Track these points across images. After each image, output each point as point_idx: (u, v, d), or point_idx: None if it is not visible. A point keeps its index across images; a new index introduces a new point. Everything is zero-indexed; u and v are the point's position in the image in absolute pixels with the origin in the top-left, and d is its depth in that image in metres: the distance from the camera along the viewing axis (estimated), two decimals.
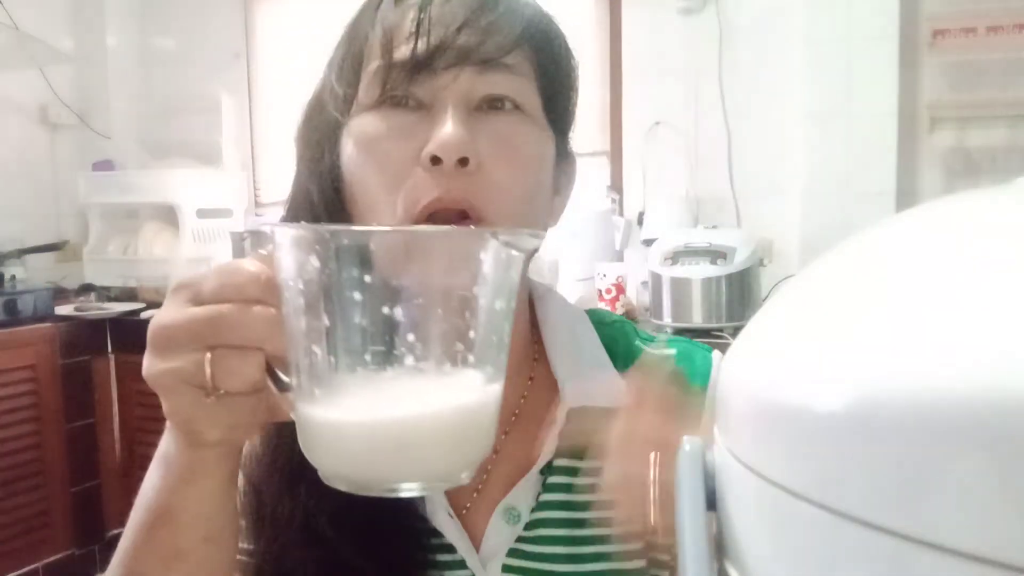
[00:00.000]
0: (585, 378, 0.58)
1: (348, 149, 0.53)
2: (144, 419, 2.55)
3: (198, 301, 0.39)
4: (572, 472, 0.57)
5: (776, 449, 0.23)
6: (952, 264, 0.22)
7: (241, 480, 0.57)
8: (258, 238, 2.76)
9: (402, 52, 0.51)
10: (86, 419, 2.51)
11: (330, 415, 0.36)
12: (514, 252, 0.36)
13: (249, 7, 3.03)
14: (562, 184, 0.61)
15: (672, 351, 0.63)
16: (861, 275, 0.25)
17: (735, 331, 1.88)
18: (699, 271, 1.93)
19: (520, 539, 0.56)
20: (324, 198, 0.54)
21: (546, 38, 0.56)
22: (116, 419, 2.59)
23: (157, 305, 2.79)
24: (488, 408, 0.38)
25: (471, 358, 0.36)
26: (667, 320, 1.98)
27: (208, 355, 0.38)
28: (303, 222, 0.38)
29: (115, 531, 2.58)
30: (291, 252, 0.35)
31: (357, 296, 0.34)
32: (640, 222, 2.39)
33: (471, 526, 0.56)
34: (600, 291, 2.17)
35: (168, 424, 0.44)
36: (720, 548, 0.27)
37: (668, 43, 2.39)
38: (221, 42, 3.03)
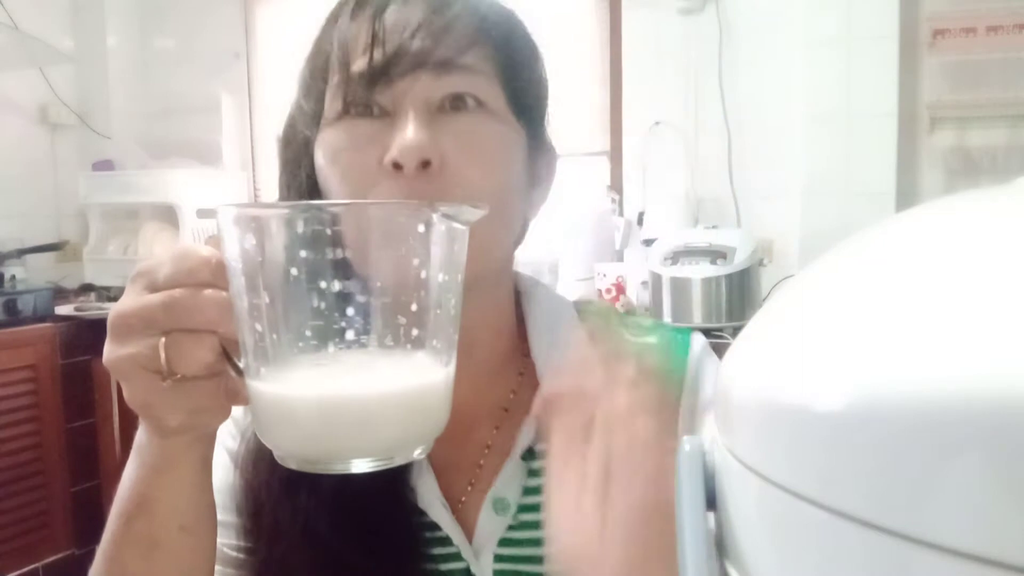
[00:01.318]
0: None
1: (318, 162, 0.54)
2: None
3: (154, 288, 0.40)
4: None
5: (776, 449, 0.23)
6: (952, 264, 0.22)
7: (239, 482, 0.58)
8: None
9: (359, 64, 0.52)
10: (86, 419, 2.51)
11: (276, 391, 0.36)
12: (456, 225, 0.36)
13: (249, 7, 3.03)
14: (541, 175, 0.61)
15: (652, 339, 0.63)
16: (861, 275, 0.25)
17: (735, 331, 1.88)
18: (699, 271, 1.93)
19: (510, 528, 0.56)
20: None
21: (504, 32, 0.55)
22: (116, 419, 2.58)
23: None
24: (436, 383, 0.37)
25: (416, 332, 0.36)
26: (667, 320, 1.98)
27: (163, 339, 0.38)
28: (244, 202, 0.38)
29: None
30: (232, 231, 0.35)
31: (294, 272, 0.34)
32: (640, 222, 2.39)
33: (464, 519, 0.57)
34: (600, 291, 2.18)
35: (137, 413, 0.44)
36: (720, 548, 0.27)
37: (668, 43, 2.39)
38: (221, 42, 3.03)
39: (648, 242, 2.23)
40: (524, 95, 0.57)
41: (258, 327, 0.35)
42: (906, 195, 2.09)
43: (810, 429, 0.21)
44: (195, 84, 3.04)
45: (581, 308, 0.65)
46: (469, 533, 0.56)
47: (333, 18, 0.56)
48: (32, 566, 2.34)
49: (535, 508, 0.56)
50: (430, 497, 0.57)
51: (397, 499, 0.55)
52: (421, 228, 0.35)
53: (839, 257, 0.27)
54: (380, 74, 0.51)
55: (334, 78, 0.53)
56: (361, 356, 0.36)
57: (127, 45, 3.10)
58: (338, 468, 0.36)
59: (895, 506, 0.19)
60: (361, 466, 0.36)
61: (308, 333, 0.35)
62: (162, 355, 0.38)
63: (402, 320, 0.36)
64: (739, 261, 1.93)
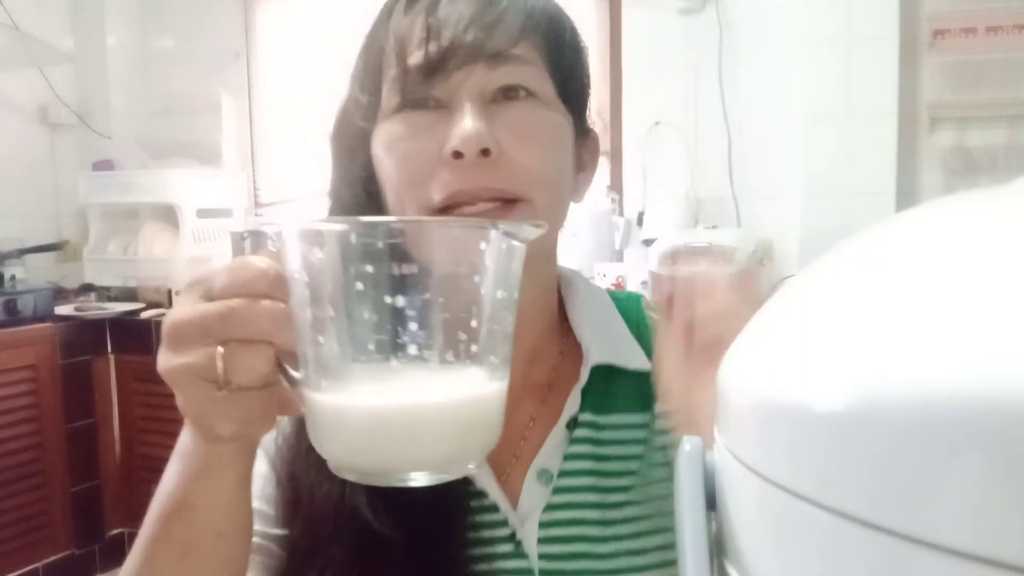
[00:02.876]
0: (605, 342, 0.63)
1: (376, 153, 0.57)
2: (144, 419, 2.55)
3: (209, 297, 0.40)
4: (596, 427, 0.61)
5: (776, 449, 0.23)
6: (952, 264, 0.22)
7: (273, 469, 0.59)
8: (257, 238, 2.76)
9: (416, 58, 0.54)
10: (86, 419, 2.51)
11: (336, 402, 0.36)
12: (515, 243, 0.37)
13: (249, 7, 3.03)
14: (585, 160, 0.65)
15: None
16: (861, 275, 0.25)
17: None
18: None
19: (553, 493, 0.59)
20: (357, 201, 0.58)
21: (551, 25, 0.58)
22: (116, 419, 2.59)
23: (157, 305, 2.78)
24: (491, 398, 0.38)
25: (473, 348, 0.37)
26: None
27: (219, 349, 0.39)
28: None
29: (115, 531, 2.58)
30: (297, 246, 0.36)
31: (360, 286, 0.35)
32: (640, 222, 2.39)
33: (510, 489, 0.60)
34: None
35: (186, 420, 0.45)
36: (720, 548, 0.27)
37: (668, 43, 2.39)
38: (221, 42, 3.03)
39: (648, 242, 2.23)
40: (571, 84, 0.60)
41: (320, 339, 0.36)
42: (906, 195, 2.09)
43: (810, 429, 0.21)
44: (195, 84, 3.04)
45: (612, 296, 0.70)
46: (514, 501, 0.59)
47: (387, 13, 0.58)
48: (32, 566, 2.34)
49: (576, 473, 0.59)
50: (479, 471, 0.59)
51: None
52: (482, 245, 0.36)
53: (839, 257, 0.27)
54: (436, 67, 0.54)
55: (390, 72, 0.56)
56: (419, 370, 0.36)
57: (127, 45, 3.10)
58: (394, 481, 0.37)
59: (895, 506, 0.19)
60: (419, 479, 0.37)
61: (371, 347, 0.36)
62: (219, 365, 0.39)
63: (462, 336, 0.36)
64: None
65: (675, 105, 2.38)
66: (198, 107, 3.03)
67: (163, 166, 2.88)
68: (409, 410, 0.36)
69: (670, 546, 0.55)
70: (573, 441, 0.60)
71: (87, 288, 2.81)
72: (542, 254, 0.60)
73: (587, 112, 0.64)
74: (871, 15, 2.08)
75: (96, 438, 2.54)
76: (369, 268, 0.35)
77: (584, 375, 0.61)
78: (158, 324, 2.53)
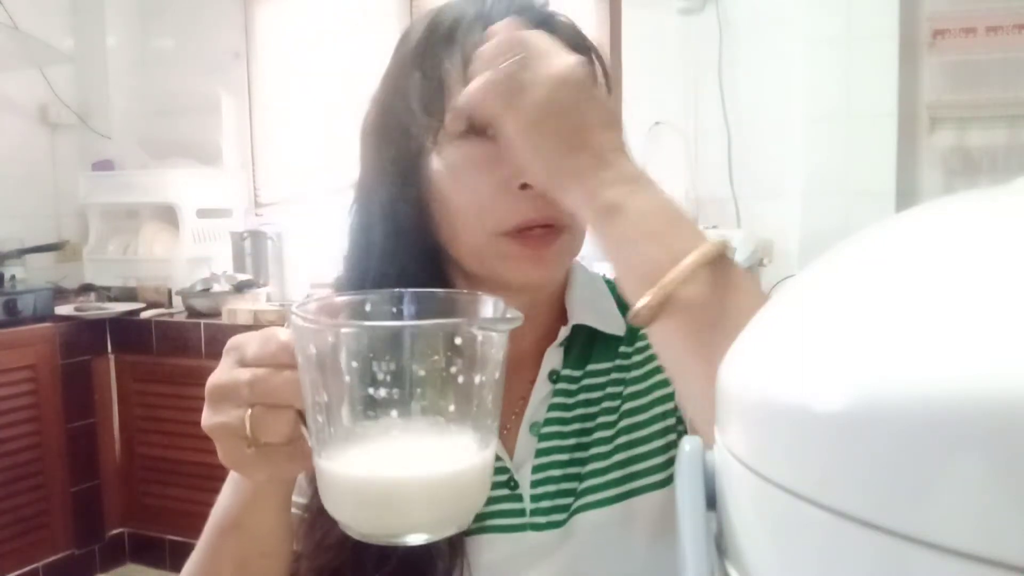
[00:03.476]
0: (588, 309, 0.69)
1: (438, 174, 0.60)
2: (144, 419, 2.55)
3: (243, 363, 0.46)
4: (572, 380, 0.68)
5: (776, 449, 0.23)
6: (952, 264, 0.22)
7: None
8: (258, 238, 2.76)
9: None
10: (86, 419, 2.51)
11: (335, 471, 0.41)
12: (494, 336, 0.40)
13: (249, 7, 3.03)
14: None
15: None
16: (861, 275, 0.25)
17: None
18: None
19: (539, 440, 0.66)
20: (389, 211, 0.62)
21: (587, 48, 0.64)
22: (116, 419, 2.59)
23: (157, 305, 2.77)
24: (479, 467, 0.42)
25: (461, 425, 0.41)
26: None
27: (248, 412, 0.45)
28: (317, 301, 0.45)
29: (115, 531, 2.58)
30: (295, 334, 0.41)
31: (347, 379, 0.40)
32: None
33: (509, 443, 0.66)
34: None
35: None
36: (720, 548, 0.27)
37: (668, 43, 2.39)
38: (221, 42, 3.03)
39: None
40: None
41: (319, 418, 0.41)
42: (906, 195, 2.09)
43: (810, 429, 0.21)
44: (195, 84, 3.04)
45: (609, 281, 0.75)
46: (510, 452, 0.66)
47: (444, 30, 0.61)
48: (32, 566, 2.34)
49: (557, 422, 0.66)
50: None
51: None
52: (458, 341, 0.39)
53: (839, 257, 0.27)
54: None
55: (455, 92, 0.57)
56: (411, 443, 0.41)
57: (127, 45, 3.11)
58: (392, 541, 0.42)
59: (895, 506, 0.19)
60: (415, 539, 0.41)
61: (358, 430, 0.41)
62: (247, 426, 0.45)
63: (452, 415, 0.41)
64: (739, 261, 1.93)
65: (675, 105, 2.39)
66: (198, 107, 3.03)
67: (163, 166, 2.88)
68: (402, 482, 0.40)
69: (641, 473, 0.65)
70: (555, 394, 0.67)
71: (87, 288, 2.82)
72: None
73: None
74: (871, 15, 2.08)
75: (96, 438, 2.54)
76: (354, 363, 0.39)
77: (563, 334, 0.67)
78: (158, 324, 2.53)
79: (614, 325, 0.69)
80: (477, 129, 0.58)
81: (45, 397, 2.39)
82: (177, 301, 2.66)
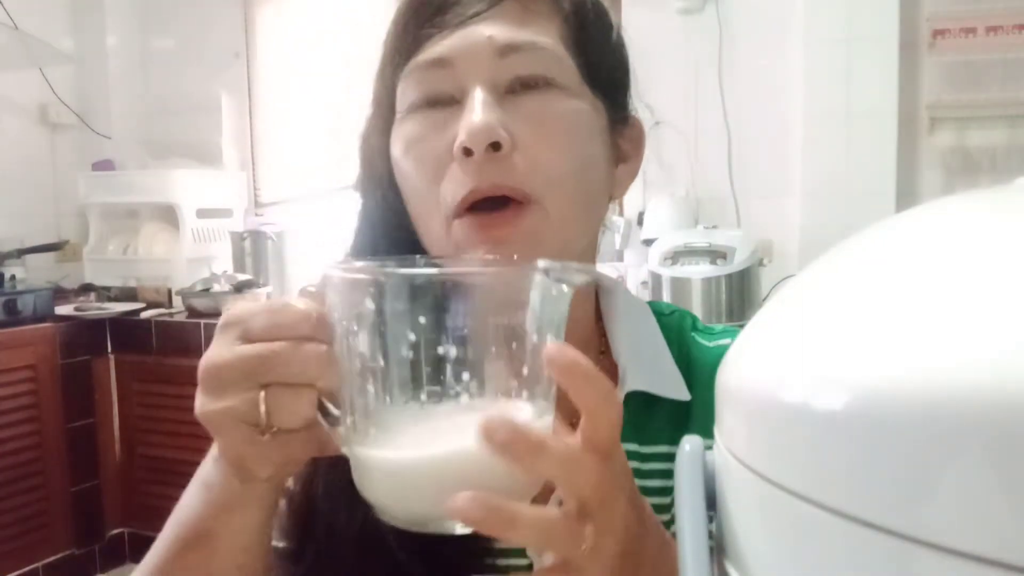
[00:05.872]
0: (644, 365, 0.57)
1: (394, 155, 0.55)
2: (144, 419, 2.55)
3: (247, 339, 0.39)
4: (641, 457, 0.56)
5: (776, 449, 0.23)
6: (952, 264, 0.22)
7: (292, 485, 0.56)
8: (256, 238, 2.76)
9: (424, 51, 0.52)
10: (86, 419, 2.51)
11: (387, 454, 0.36)
12: (564, 287, 0.36)
13: (249, 7, 3.03)
14: (626, 151, 0.60)
15: (727, 341, 0.62)
16: (861, 275, 0.25)
17: None
18: (699, 271, 1.93)
19: None
20: (385, 205, 0.56)
21: (572, 5, 0.55)
22: (116, 419, 2.59)
23: (157, 305, 2.77)
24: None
25: (524, 393, 0.36)
26: None
27: (262, 393, 0.38)
28: (356, 262, 0.38)
29: (115, 531, 2.58)
30: (344, 293, 0.36)
31: (411, 336, 0.34)
32: (640, 222, 2.39)
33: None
34: None
35: (215, 452, 0.44)
36: (720, 548, 0.27)
37: (668, 43, 2.39)
38: (221, 42, 3.03)
39: (648, 242, 2.23)
40: (599, 68, 0.55)
41: (370, 388, 0.36)
42: (906, 195, 2.09)
43: (810, 429, 0.21)
44: (195, 84, 3.04)
45: (656, 310, 0.64)
46: None
47: (402, 15, 0.56)
48: (32, 566, 2.34)
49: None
50: None
51: None
52: (532, 291, 0.35)
53: (839, 257, 0.27)
54: (443, 58, 0.51)
55: (401, 70, 0.53)
56: (469, 416, 0.35)
57: (127, 45, 3.10)
58: (446, 528, 0.36)
59: (895, 506, 0.19)
60: (465, 528, 0.36)
61: (422, 396, 0.36)
62: (262, 408, 0.38)
63: (512, 383, 0.36)
64: (739, 261, 1.93)
65: (675, 105, 2.38)
66: (198, 107, 3.03)
67: (163, 166, 2.88)
68: (460, 458, 0.35)
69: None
70: None
71: (87, 288, 2.82)
72: (576, 253, 0.56)
73: (627, 97, 0.59)
74: (871, 15, 2.08)
75: (96, 438, 2.54)
76: (420, 318, 0.34)
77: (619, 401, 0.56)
78: (158, 324, 2.53)
79: (676, 387, 0.56)
80: (426, 100, 0.52)
81: (45, 397, 2.39)
82: (177, 301, 2.65)
